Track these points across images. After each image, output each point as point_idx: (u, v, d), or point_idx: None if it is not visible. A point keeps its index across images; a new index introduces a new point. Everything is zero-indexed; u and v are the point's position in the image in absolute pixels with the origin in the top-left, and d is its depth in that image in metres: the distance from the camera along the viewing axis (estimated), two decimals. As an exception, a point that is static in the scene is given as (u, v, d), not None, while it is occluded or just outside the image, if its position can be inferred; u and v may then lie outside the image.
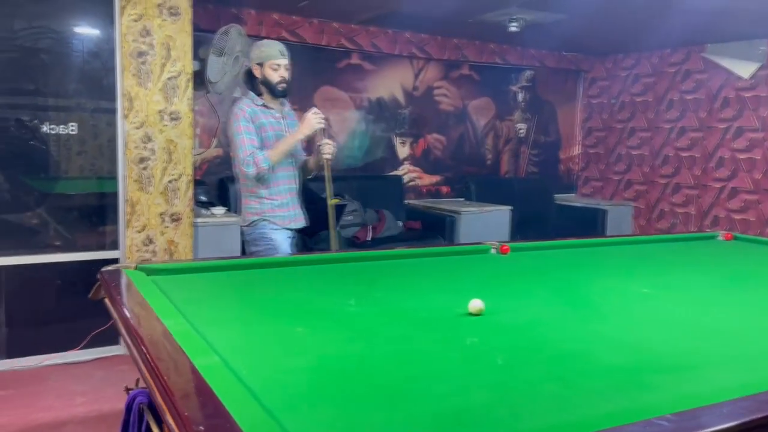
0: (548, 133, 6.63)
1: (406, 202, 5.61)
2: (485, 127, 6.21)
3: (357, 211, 4.90)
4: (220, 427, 1.03)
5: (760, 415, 1.13)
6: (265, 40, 3.22)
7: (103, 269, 2.18)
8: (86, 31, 3.53)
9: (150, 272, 2.22)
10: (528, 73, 6.38)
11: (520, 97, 6.39)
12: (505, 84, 6.27)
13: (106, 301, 1.97)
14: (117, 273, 2.11)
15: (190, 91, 3.75)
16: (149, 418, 1.52)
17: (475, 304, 1.85)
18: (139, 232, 3.66)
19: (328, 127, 5.27)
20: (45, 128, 3.43)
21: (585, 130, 6.81)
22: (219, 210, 4.18)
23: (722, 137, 5.54)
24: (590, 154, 6.78)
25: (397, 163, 5.71)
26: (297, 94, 5.09)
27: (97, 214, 3.68)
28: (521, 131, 6.45)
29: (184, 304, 1.86)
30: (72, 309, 3.45)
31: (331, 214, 3.31)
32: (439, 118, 5.88)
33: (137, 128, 3.60)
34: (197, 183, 4.53)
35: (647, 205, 6.20)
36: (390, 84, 5.56)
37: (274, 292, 2.13)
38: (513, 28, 4.64)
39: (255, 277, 2.33)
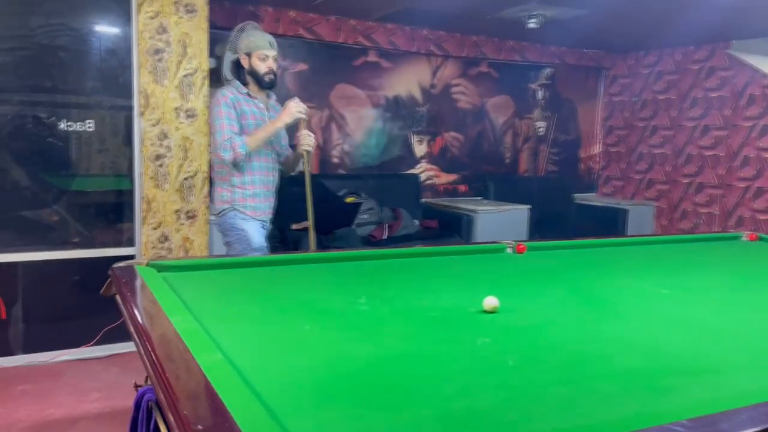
0: (568, 131, 6.54)
1: (422, 200, 5.56)
2: (504, 126, 6.14)
3: (373, 210, 4.87)
4: (219, 426, 1.00)
5: (781, 423, 1.08)
6: (254, 30, 3.17)
7: (115, 265, 2.18)
8: (103, 28, 3.55)
9: (161, 269, 2.22)
10: (548, 71, 6.30)
11: (540, 94, 6.31)
12: (524, 82, 6.20)
13: (117, 297, 1.96)
14: (128, 269, 2.11)
15: (206, 88, 3.75)
16: (157, 415, 1.50)
17: (490, 301, 1.82)
18: (155, 229, 3.67)
19: (345, 125, 5.26)
20: (62, 125, 3.45)
21: (606, 128, 6.70)
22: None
23: (747, 135, 5.41)
24: (611, 153, 6.67)
25: (414, 161, 5.67)
26: (313, 91, 5.09)
27: (113, 211, 3.70)
28: (540, 129, 6.37)
29: (193, 301, 1.85)
30: (87, 305, 3.46)
31: (310, 211, 3.24)
32: (456, 116, 5.83)
33: (153, 125, 3.61)
34: (211, 181, 4.54)
35: (669, 204, 6.08)
36: (407, 82, 5.52)
37: (285, 289, 2.11)
38: (532, 24, 4.57)
39: (267, 274, 2.32)
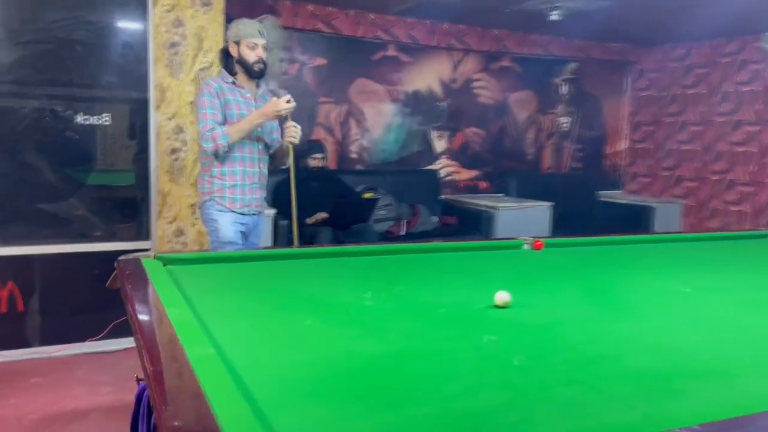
0: (593, 127, 6.40)
1: (442, 197, 5.49)
2: (526, 121, 6.03)
3: (391, 206, 4.82)
4: (197, 423, 0.96)
5: (803, 431, 0.99)
6: (244, 19, 3.08)
7: (121, 258, 2.16)
8: (120, 22, 3.55)
9: (168, 262, 2.20)
10: (572, 65, 6.17)
11: (564, 89, 6.18)
12: (547, 76, 6.08)
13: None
14: (133, 262, 2.09)
15: (221, 82, 3.73)
16: (155, 409, 1.47)
17: (502, 296, 1.76)
18: (170, 222, 3.67)
19: (363, 120, 5.21)
20: (79, 119, 3.46)
21: (632, 124, 6.54)
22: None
23: (780, 131, 5.22)
24: (638, 149, 6.51)
25: (434, 157, 5.59)
26: (332, 86, 5.05)
27: (129, 205, 3.71)
28: (564, 125, 6.24)
29: (196, 294, 1.82)
30: (102, 299, 3.44)
31: (293, 204, 3.17)
32: (478, 111, 5.74)
33: (169, 119, 3.60)
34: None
35: (698, 202, 5.91)
36: (427, 76, 5.45)
37: (291, 283, 2.06)
38: (554, 16, 4.46)
39: (274, 268, 2.28)
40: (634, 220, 5.71)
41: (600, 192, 6.29)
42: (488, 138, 5.84)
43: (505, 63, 5.79)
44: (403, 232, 4.65)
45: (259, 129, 2.95)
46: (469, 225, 5.00)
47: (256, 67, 2.93)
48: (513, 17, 4.95)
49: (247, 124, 2.85)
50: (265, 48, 2.96)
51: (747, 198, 5.50)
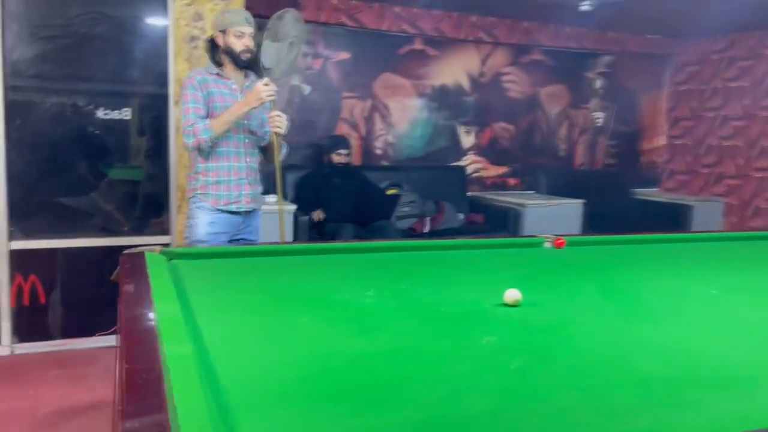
0: (628, 122, 6.18)
1: (469, 193, 5.36)
2: (558, 116, 5.85)
3: (415, 203, 4.73)
4: (151, 426, 0.90)
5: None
6: (231, 8, 2.95)
7: (126, 251, 2.14)
8: (140, 16, 3.55)
9: (173, 256, 2.16)
10: (607, 58, 5.96)
11: (598, 83, 5.98)
12: (581, 70, 5.89)
13: (122, 283, 1.91)
14: (137, 256, 2.06)
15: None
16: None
17: (512, 293, 1.67)
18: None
19: (388, 115, 5.13)
20: (99, 113, 3.48)
21: (671, 119, 6.30)
22: (271, 198, 4.12)
23: (829, 125, 4.94)
24: (676, 146, 6.26)
25: (461, 152, 5.47)
26: (356, 81, 4.99)
27: (149, 199, 3.71)
28: (598, 120, 6.04)
29: (195, 290, 1.78)
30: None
31: (279, 196, 3.07)
32: (507, 106, 5.59)
33: (188, 114, 3.58)
34: (252, 170, 4.51)
35: (740, 201, 5.64)
36: (454, 70, 5.33)
37: (295, 280, 2.00)
38: (585, 6, 4.31)
39: (281, 264, 2.22)
40: (671, 220, 5.49)
41: (636, 190, 6.08)
42: (518, 133, 5.69)
43: (536, 56, 5.63)
44: (426, 229, 4.56)
45: (245, 122, 2.82)
46: (496, 223, 4.87)
47: (244, 57, 2.81)
48: (543, 9, 4.80)
49: (231, 115, 2.70)
50: (252, 36, 2.84)
51: (793, 196, 5.23)
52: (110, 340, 3.51)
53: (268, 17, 4.12)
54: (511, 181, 5.71)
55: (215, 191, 2.79)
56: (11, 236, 3.37)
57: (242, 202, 2.85)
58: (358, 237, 4.11)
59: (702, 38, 5.91)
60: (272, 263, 2.23)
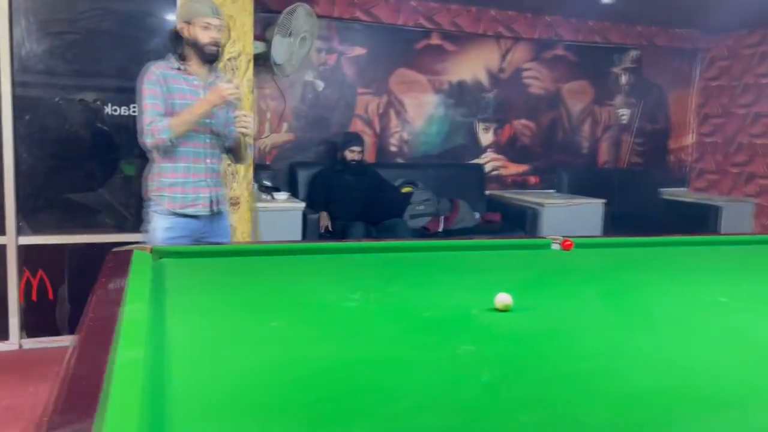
0: (656, 119, 5.97)
1: (487, 192, 5.25)
2: (581, 113, 5.69)
3: (429, 201, 4.63)
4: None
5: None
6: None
7: (115, 249, 2.11)
8: (148, 12, 3.53)
9: (164, 255, 2.12)
10: (633, 53, 5.77)
11: (624, 79, 5.79)
12: (605, 65, 5.71)
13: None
14: (123, 254, 2.02)
15: (250, 72, 3.65)
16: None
17: (502, 298, 1.58)
18: (197, 215, 3.63)
19: (404, 112, 5.04)
20: (107, 110, 3.47)
21: (700, 116, 6.07)
22: (282, 195, 4.08)
23: None
24: (706, 144, 6.04)
25: (479, 150, 5.35)
26: (371, 77, 4.91)
27: (156, 196, 3.69)
28: (623, 117, 5.86)
29: (175, 290, 1.73)
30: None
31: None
32: (528, 103, 5.45)
33: (196, 110, 3.55)
34: (263, 168, 4.48)
35: (772, 201, 5.41)
36: (473, 66, 5.21)
37: (282, 280, 1.94)
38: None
39: (274, 263, 2.16)
40: (698, 221, 5.29)
41: (663, 190, 5.88)
42: (539, 131, 5.54)
43: (558, 51, 5.47)
44: (440, 228, 4.46)
45: (208, 120, 2.63)
46: (513, 222, 4.75)
47: (209, 50, 2.61)
48: (566, 2, 4.65)
49: (192, 114, 2.53)
50: (220, 29, 2.65)
51: (829, 197, 4.99)
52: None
53: (279, 12, 4.10)
54: (532, 180, 5.57)
55: (170, 193, 2.63)
56: (20, 232, 3.38)
57: (199, 206, 2.67)
58: (369, 236, 4.03)
59: (733, 32, 5.67)
60: (264, 263, 2.17)
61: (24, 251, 3.40)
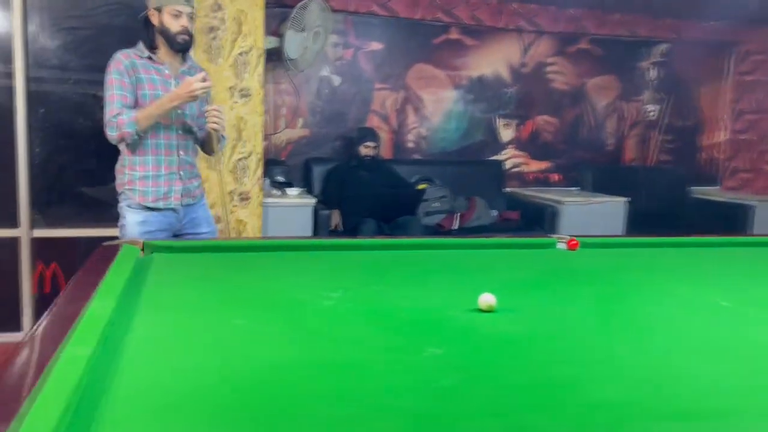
0: (686, 116, 5.76)
1: (507, 189, 5.14)
2: (607, 109, 5.53)
3: (445, 198, 4.56)
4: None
5: None
6: None
7: (105, 243, 2.10)
8: (160, 7, 3.54)
9: (155, 249, 2.12)
10: (662, 47, 5.57)
11: (652, 74, 5.60)
12: (633, 60, 5.53)
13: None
14: (110, 249, 2.01)
15: (261, 67, 3.64)
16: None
17: (486, 298, 1.52)
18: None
19: (422, 107, 4.97)
20: (119, 104, 3.49)
21: (734, 112, 5.83)
22: (293, 191, 4.06)
23: None
24: (740, 141, 5.80)
25: (499, 147, 5.24)
26: (388, 72, 4.85)
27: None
28: (651, 113, 5.67)
29: (154, 285, 1.72)
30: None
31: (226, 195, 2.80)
32: (550, 98, 5.32)
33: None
34: (277, 163, 4.47)
35: (809, 201, 5.17)
36: (493, 60, 5.10)
37: (266, 277, 1.90)
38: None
39: (264, 259, 2.13)
40: (730, 221, 5.09)
41: (693, 188, 5.67)
42: (562, 127, 5.40)
43: (583, 45, 5.32)
44: (455, 226, 4.38)
45: (179, 111, 2.57)
46: (532, 220, 4.64)
47: (180, 39, 2.54)
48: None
49: (157, 108, 2.46)
50: (191, 17, 2.58)
51: None
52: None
53: (292, 7, 4.07)
54: (554, 177, 5.44)
55: (142, 187, 2.59)
56: (33, 224, 3.44)
57: (171, 199, 2.63)
58: (381, 233, 3.99)
59: (770, 24, 5.43)
60: (254, 259, 2.14)
61: (37, 244, 3.46)
